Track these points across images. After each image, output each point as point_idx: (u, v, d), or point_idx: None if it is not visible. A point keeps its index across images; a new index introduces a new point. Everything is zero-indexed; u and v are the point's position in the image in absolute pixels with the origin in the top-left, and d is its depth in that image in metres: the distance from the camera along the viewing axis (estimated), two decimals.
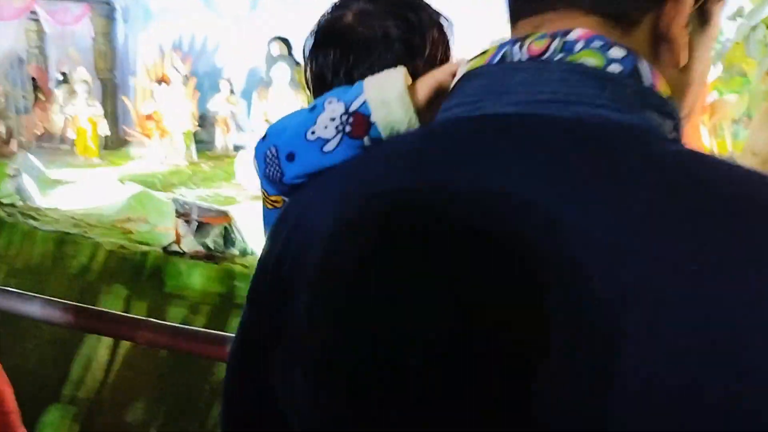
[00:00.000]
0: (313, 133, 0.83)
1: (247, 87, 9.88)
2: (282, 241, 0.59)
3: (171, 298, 4.03)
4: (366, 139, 0.81)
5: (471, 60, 0.60)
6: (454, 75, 0.63)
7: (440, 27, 1.00)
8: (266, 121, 6.72)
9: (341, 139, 0.82)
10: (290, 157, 0.84)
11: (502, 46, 0.57)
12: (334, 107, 0.83)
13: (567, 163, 0.47)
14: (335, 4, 1.04)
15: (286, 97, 7.26)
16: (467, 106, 0.56)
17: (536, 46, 0.54)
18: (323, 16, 1.04)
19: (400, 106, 0.81)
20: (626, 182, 0.44)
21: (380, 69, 0.87)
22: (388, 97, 0.81)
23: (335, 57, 0.98)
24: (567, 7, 0.55)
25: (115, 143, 10.44)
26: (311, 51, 1.03)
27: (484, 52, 0.59)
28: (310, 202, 0.60)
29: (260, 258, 0.62)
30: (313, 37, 1.03)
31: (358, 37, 0.97)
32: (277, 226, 0.61)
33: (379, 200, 0.51)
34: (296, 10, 9.13)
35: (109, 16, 11.10)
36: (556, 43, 0.53)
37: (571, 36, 0.53)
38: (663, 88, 0.54)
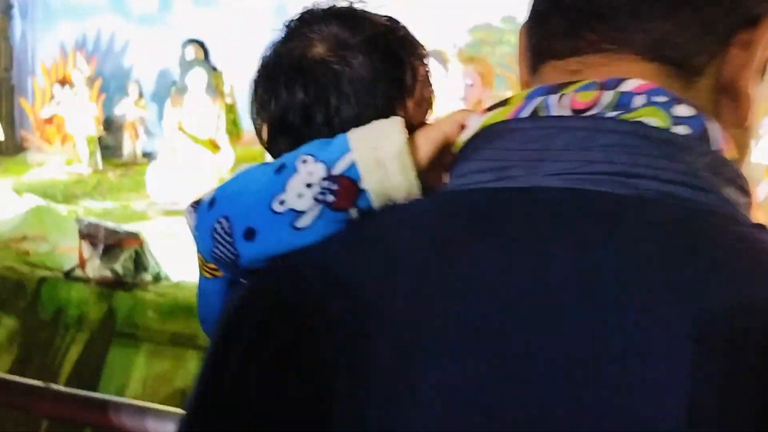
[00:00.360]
0: (281, 203, 0.68)
1: (157, 90, 9.55)
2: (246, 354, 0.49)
3: (70, 330, 3.68)
4: (353, 211, 0.68)
5: (488, 111, 0.50)
6: (462, 127, 0.55)
7: (424, 60, 0.85)
8: (180, 129, 6.53)
9: (320, 211, 0.67)
10: (249, 234, 0.69)
11: (531, 95, 0.48)
12: (310, 169, 0.69)
13: (626, 264, 0.39)
14: (293, 26, 0.83)
15: (202, 103, 7.08)
16: (493, 172, 0.47)
17: (581, 98, 0.46)
18: (279, 41, 0.83)
19: (398, 167, 0.67)
20: (703, 283, 0.38)
21: (369, 117, 0.73)
22: (384, 156, 0.68)
23: (307, 99, 0.79)
24: (616, 49, 0.47)
25: (11, 150, 9.84)
26: (265, 85, 0.82)
27: (505, 102, 0.50)
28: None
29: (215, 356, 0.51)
30: (266, 68, 0.83)
31: (336, 74, 0.79)
32: (239, 326, 0.51)
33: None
34: (211, 11, 8.99)
35: (6, 12, 10.45)
36: (607, 96, 0.45)
37: (627, 87, 0.46)
38: (732, 153, 0.46)
